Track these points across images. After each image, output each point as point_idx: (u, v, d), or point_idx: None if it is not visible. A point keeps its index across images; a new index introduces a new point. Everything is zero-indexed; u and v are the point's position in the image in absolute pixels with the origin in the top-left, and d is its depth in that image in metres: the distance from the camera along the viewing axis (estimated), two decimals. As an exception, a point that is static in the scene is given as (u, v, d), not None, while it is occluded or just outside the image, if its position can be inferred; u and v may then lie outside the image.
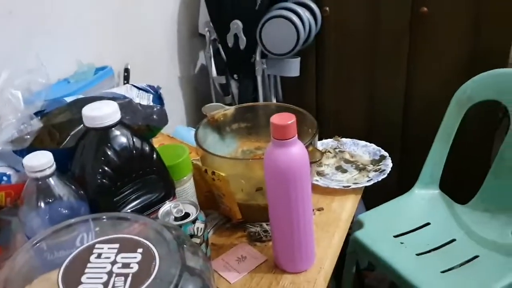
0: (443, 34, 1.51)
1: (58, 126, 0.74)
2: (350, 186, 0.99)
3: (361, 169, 1.06)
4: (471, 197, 1.46)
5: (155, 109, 0.79)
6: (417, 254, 1.31)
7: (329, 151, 1.13)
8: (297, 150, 0.73)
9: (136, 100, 0.79)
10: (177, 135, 1.19)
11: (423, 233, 1.39)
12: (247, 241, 0.88)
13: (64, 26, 1.11)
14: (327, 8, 1.55)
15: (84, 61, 1.10)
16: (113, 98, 0.73)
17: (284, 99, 1.71)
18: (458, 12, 1.47)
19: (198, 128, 0.94)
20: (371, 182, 1.00)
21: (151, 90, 0.85)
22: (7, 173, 0.73)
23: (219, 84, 1.60)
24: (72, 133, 0.72)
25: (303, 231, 0.78)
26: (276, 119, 0.72)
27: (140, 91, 0.83)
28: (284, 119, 0.72)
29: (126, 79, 1.26)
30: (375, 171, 1.04)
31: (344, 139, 1.16)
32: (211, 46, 1.56)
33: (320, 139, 1.19)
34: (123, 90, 0.81)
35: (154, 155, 0.71)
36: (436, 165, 1.47)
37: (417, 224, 1.41)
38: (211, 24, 1.53)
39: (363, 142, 1.13)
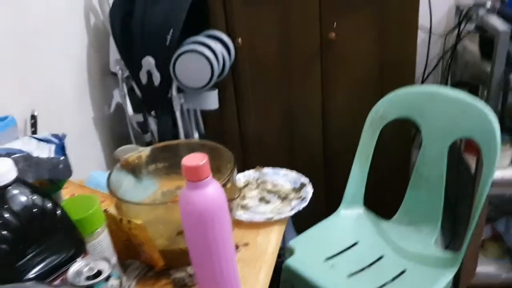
0: (351, 56, 1.57)
1: None
2: (273, 217, 0.98)
3: (283, 198, 1.06)
4: (395, 211, 1.50)
5: (55, 161, 0.74)
6: (348, 276, 1.32)
7: (251, 183, 1.12)
8: (212, 190, 0.71)
9: (36, 153, 0.74)
10: (92, 181, 1.12)
11: (353, 253, 1.41)
12: (172, 288, 0.84)
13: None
14: (240, 40, 1.57)
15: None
16: (7, 154, 0.68)
17: (207, 131, 1.69)
18: (363, 35, 1.54)
19: (111, 174, 0.90)
20: (294, 211, 0.99)
21: (54, 140, 0.79)
22: None
23: (137, 122, 1.55)
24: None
25: (226, 273, 0.75)
26: (187, 160, 0.69)
27: (41, 142, 0.77)
28: (196, 159, 0.69)
29: (34, 126, 1.19)
30: (297, 199, 1.04)
31: (265, 169, 1.15)
32: (124, 84, 1.52)
33: (244, 168, 1.18)
34: (19, 144, 0.75)
35: (58, 212, 0.66)
36: (358, 184, 1.50)
37: (346, 244, 1.43)
38: (122, 62, 1.49)
39: (284, 171, 1.13)
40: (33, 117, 1.22)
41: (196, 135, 1.59)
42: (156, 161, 1.01)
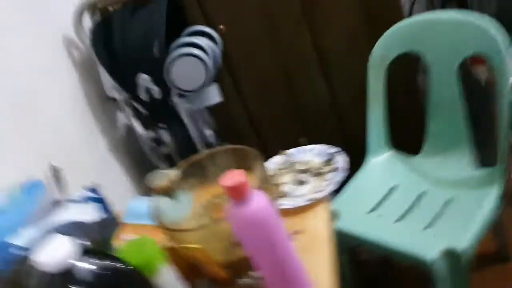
0: (337, 11, 1.55)
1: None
2: (315, 197, 0.99)
3: (317, 174, 1.07)
4: (420, 145, 1.51)
5: (103, 220, 0.75)
6: (397, 220, 1.34)
7: (281, 169, 1.12)
8: (257, 202, 0.72)
9: (81, 216, 0.75)
10: (131, 214, 1.13)
11: (394, 198, 1.42)
12: (244, 295, 0.87)
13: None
14: (222, 26, 1.54)
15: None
16: (61, 228, 0.69)
17: (218, 125, 1.69)
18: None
19: (153, 207, 0.91)
20: (333, 186, 1.00)
21: (91, 194, 0.81)
22: None
23: (150, 138, 1.55)
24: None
25: (292, 268, 0.78)
26: (227, 181, 0.70)
27: (82, 204, 0.78)
28: (235, 178, 0.70)
29: (57, 178, 1.20)
30: (331, 171, 1.05)
31: (290, 150, 1.16)
32: (126, 105, 1.51)
33: (264, 148, 1.17)
34: (65, 214, 0.76)
35: (121, 266, 0.68)
36: (379, 129, 1.51)
37: (384, 191, 1.44)
38: (117, 86, 1.48)
39: (308, 147, 1.14)
40: (55, 170, 1.22)
41: (209, 133, 1.60)
42: (187, 177, 1.02)
